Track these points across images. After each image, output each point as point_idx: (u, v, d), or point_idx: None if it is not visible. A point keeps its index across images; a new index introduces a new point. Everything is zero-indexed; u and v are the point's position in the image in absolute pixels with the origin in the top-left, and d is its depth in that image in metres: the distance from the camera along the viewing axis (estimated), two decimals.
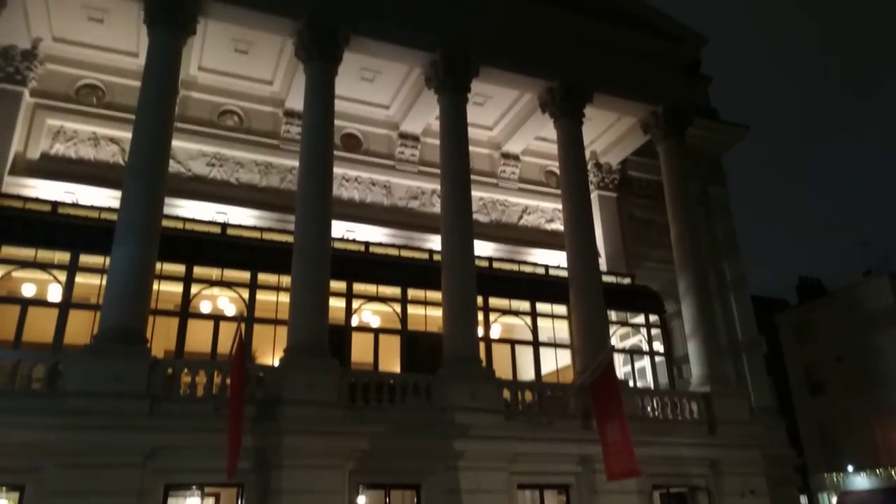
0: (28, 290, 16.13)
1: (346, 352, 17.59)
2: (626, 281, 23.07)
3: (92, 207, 17.48)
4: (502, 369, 18.67)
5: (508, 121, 23.44)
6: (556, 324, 20.80)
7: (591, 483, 17.09)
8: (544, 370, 20.18)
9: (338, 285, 17.67)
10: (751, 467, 18.90)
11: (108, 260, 15.18)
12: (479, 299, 18.55)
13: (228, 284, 17.43)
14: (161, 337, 16.50)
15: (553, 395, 18.00)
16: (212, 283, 17.27)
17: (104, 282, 15.08)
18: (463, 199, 18.71)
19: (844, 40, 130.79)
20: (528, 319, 20.43)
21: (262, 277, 17.66)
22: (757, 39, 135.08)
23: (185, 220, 18.28)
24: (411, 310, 18.96)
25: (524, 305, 20.61)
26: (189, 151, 20.09)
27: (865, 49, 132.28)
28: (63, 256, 16.15)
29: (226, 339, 15.62)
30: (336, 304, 17.59)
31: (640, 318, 22.20)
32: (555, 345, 20.62)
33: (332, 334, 16.12)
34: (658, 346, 22.14)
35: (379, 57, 19.98)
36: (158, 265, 15.82)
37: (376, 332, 18.79)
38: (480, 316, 18.71)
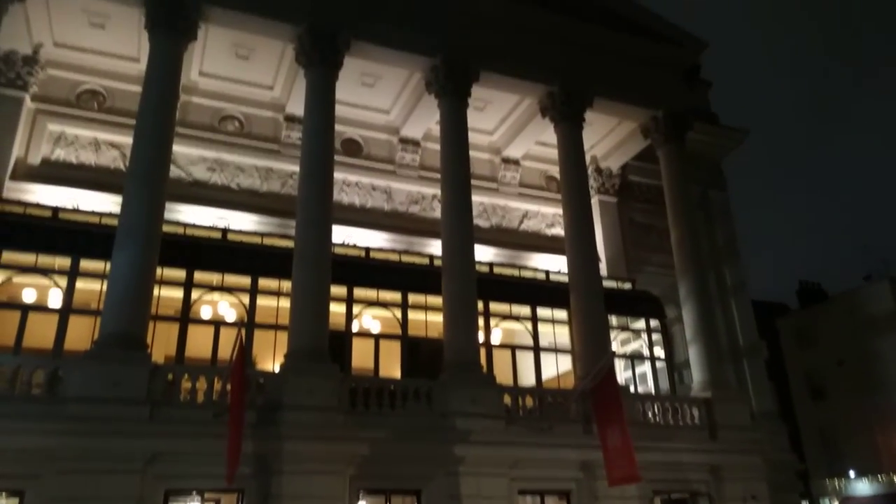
0: (28, 296, 16.12)
1: (347, 357, 17.57)
2: (627, 286, 23.03)
3: (92, 213, 17.49)
4: (503, 374, 18.61)
5: (509, 125, 23.43)
6: (556, 329, 20.78)
7: (592, 489, 17.06)
8: (545, 375, 20.17)
9: (338, 290, 17.64)
10: (752, 473, 18.85)
11: (108, 265, 15.19)
12: (480, 304, 18.52)
13: (229, 290, 17.43)
14: (161, 342, 16.49)
15: (554, 401, 17.97)
16: (212, 288, 17.27)
17: (105, 287, 15.09)
18: (463, 204, 18.72)
19: (844, 40, 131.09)
20: (529, 324, 20.41)
21: (263, 283, 17.66)
22: (757, 40, 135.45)
23: (185, 225, 18.31)
24: (412, 315, 18.94)
25: (525, 310, 20.58)
26: (190, 156, 20.10)
27: (865, 49, 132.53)
28: (63, 262, 16.16)
29: (226, 344, 15.61)
30: (336, 309, 17.57)
31: (641, 323, 22.14)
32: (555, 350, 20.61)
33: (332, 340, 16.12)
34: (659, 352, 22.07)
35: (379, 62, 20.01)
36: (159, 270, 15.82)
37: (377, 337, 18.78)
38: (481, 321, 18.67)
